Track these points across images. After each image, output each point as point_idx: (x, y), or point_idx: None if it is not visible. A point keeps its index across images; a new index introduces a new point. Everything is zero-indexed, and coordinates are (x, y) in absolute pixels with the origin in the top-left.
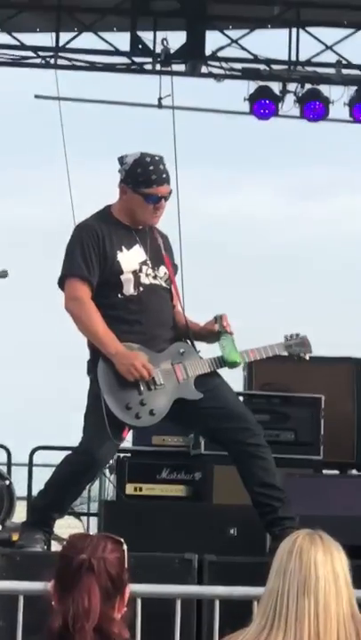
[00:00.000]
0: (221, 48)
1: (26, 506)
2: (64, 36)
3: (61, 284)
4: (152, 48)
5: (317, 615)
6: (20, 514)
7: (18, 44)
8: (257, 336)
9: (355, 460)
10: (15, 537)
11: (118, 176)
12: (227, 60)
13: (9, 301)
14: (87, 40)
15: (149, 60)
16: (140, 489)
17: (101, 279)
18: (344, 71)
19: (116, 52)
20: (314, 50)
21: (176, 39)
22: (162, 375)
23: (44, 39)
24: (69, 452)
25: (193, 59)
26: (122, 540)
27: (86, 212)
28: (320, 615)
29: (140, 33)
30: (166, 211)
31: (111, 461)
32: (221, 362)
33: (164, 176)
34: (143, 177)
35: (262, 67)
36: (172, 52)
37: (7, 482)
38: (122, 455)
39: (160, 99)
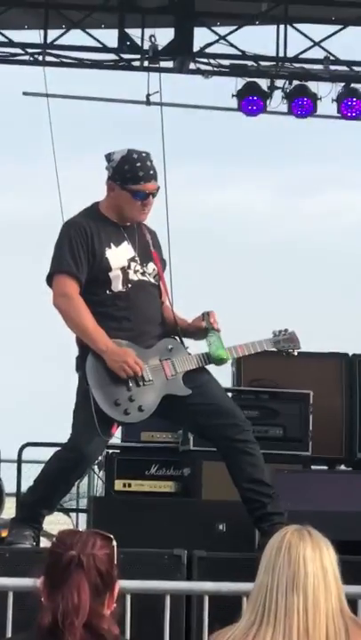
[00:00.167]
0: (209, 44)
1: (15, 502)
2: (52, 33)
3: (49, 280)
4: (140, 45)
5: (306, 610)
6: (9, 510)
7: (6, 40)
8: (246, 331)
9: (343, 456)
10: (4, 533)
11: (106, 173)
12: (215, 56)
13: None
14: (75, 37)
15: (137, 56)
16: (129, 485)
17: (90, 276)
18: (332, 67)
19: (104, 49)
20: (302, 46)
21: (164, 36)
22: (150, 371)
23: (33, 36)
24: (58, 448)
25: (181, 55)
26: (111, 536)
27: (74, 208)
28: (309, 610)
29: (128, 30)
30: (154, 207)
31: (100, 457)
32: (208, 358)
33: (152, 172)
34: (131, 174)
35: (250, 63)
36: (160, 48)
37: None
38: (111, 451)
39: (148, 95)
